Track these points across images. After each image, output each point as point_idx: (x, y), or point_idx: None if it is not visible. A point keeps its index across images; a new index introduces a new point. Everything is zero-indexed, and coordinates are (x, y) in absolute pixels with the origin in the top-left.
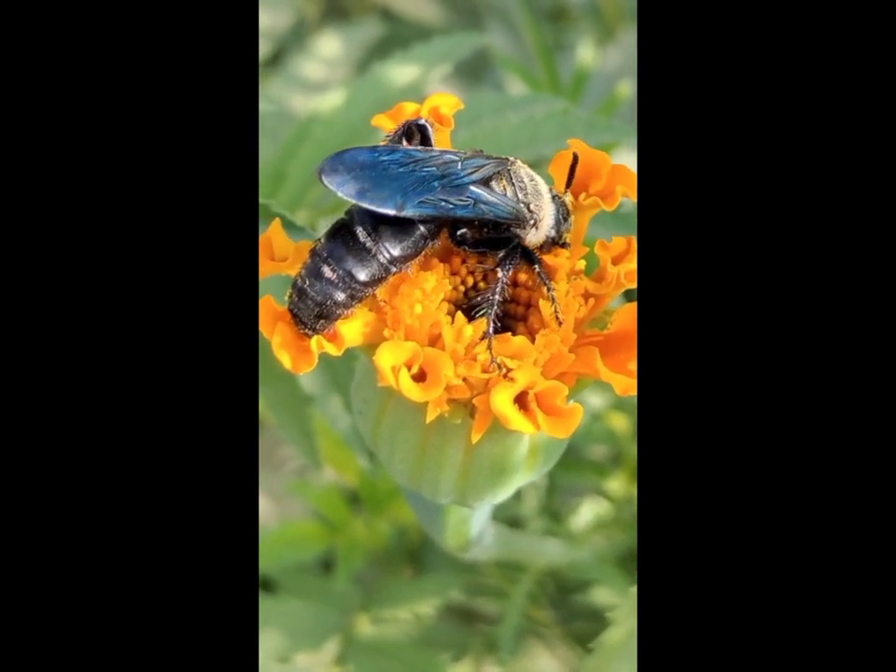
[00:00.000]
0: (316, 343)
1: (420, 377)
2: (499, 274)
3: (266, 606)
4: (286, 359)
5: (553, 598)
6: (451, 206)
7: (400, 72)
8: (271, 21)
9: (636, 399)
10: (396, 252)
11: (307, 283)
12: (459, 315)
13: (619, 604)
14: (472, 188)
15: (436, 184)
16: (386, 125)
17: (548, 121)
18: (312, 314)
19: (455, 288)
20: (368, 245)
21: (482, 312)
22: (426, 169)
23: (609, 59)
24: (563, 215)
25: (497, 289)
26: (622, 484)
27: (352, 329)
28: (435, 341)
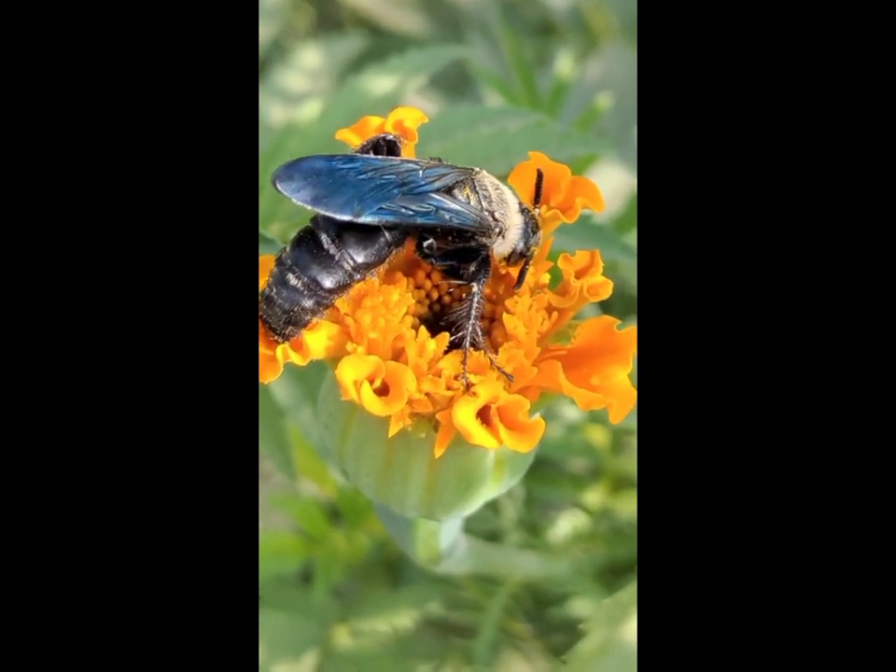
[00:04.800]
0: (282, 352)
1: (382, 391)
2: (474, 288)
3: None
4: None
5: (530, 611)
6: (411, 213)
7: (376, 84)
8: None
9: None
10: (360, 259)
11: (274, 290)
12: (423, 329)
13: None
14: (434, 195)
15: (396, 191)
16: (352, 139)
17: (521, 134)
18: (280, 320)
19: (419, 302)
20: (332, 252)
21: (460, 328)
22: (385, 177)
23: (590, 72)
24: (531, 228)
25: (475, 303)
26: (599, 497)
27: (317, 340)
28: (398, 355)
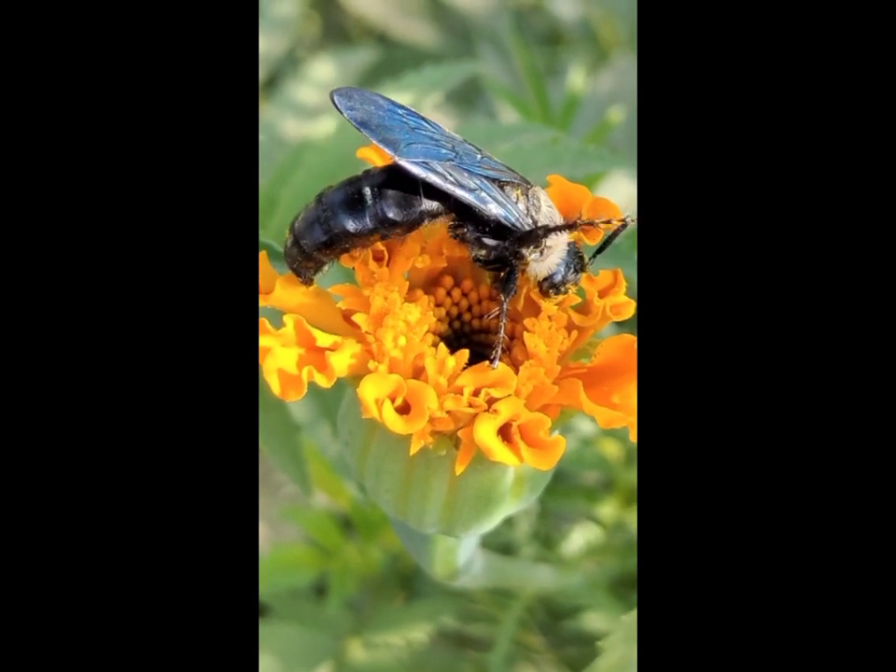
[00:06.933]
0: (307, 372)
1: (404, 409)
2: (503, 299)
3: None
4: (275, 384)
5: (544, 624)
6: (454, 182)
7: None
8: (266, 45)
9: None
10: (390, 214)
11: (303, 215)
12: (442, 346)
13: (610, 630)
14: (483, 179)
15: (448, 156)
16: (373, 158)
17: (537, 150)
18: (298, 250)
19: (439, 320)
20: (367, 199)
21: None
22: (444, 141)
23: (601, 84)
24: (575, 264)
25: (503, 313)
26: (613, 510)
27: (340, 360)
28: (419, 373)
